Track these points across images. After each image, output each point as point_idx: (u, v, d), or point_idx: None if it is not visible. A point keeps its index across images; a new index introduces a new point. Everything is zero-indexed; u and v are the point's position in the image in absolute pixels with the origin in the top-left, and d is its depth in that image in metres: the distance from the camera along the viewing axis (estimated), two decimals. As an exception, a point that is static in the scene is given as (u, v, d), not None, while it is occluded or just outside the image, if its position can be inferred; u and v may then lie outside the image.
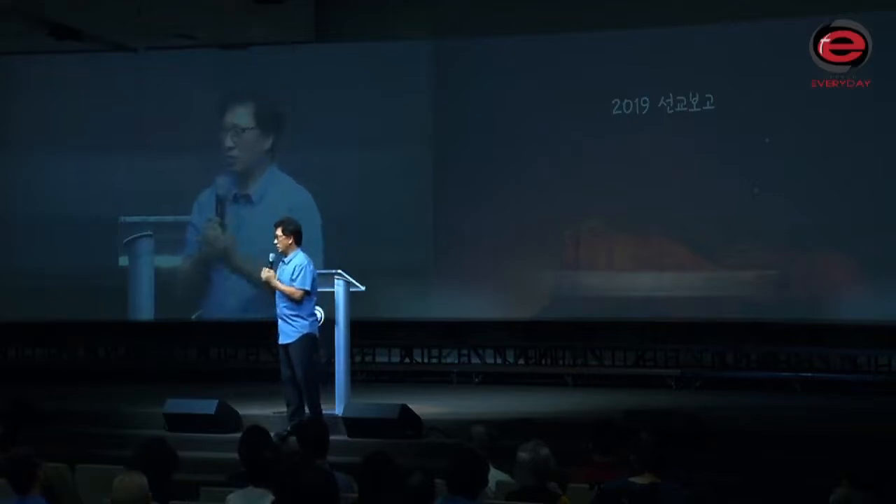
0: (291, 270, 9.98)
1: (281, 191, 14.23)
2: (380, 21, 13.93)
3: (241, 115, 14.45)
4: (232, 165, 14.43)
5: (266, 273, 9.96)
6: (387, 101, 13.98)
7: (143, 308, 14.56)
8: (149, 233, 14.49)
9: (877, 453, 8.13)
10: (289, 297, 9.94)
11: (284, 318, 10.02)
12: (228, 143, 14.42)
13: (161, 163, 14.33)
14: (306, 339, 10.02)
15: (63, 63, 14.41)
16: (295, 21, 13.73)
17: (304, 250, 10.07)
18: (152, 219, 14.52)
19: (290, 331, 10.02)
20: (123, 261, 14.57)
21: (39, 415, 10.61)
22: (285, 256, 10.04)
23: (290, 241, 10.03)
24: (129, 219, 14.54)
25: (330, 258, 13.32)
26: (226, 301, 14.27)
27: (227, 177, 14.40)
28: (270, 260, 10.02)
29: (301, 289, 9.94)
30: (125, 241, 14.52)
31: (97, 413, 11.32)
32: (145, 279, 14.51)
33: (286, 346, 10.05)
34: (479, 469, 5.70)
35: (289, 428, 10.02)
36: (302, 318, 10.00)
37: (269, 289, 10.11)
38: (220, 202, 14.32)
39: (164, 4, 12.57)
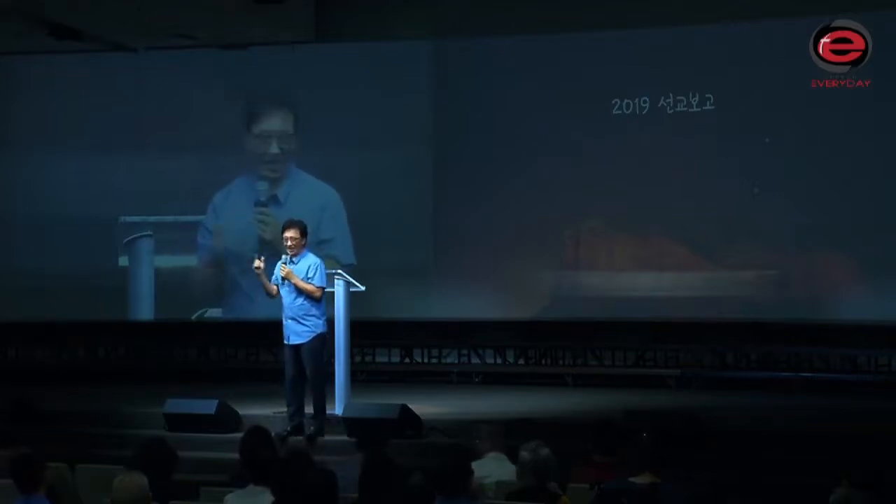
0: (306, 269, 9.99)
1: (307, 189, 14.17)
2: (380, 21, 13.93)
3: (285, 121, 14.38)
4: (274, 172, 14.34)
5: (286, 270, 9.95)
6: (387, 101, 13.98)
7: (143, 308, 14.55)
8: (149, 233, 14.48)
9: (877, 453, 8.14)
10: (307, 296, 9.95)
11: (297, 318, 10.01)
12: (274, 149, 14.33)
13: (161, 163, 14.33)
14: (319, 339, 10.06)
15: (63, 63, 14.40)
16: (295, 21, 13.73)
17: (335, 247, 10.09)
18: (152, 219, 14.51)
19: (303, 331, 10.02)
20: (123, 261, 14.57)
21: (39, 415, 10.64)
22: (294, 257, 10.02)
23: (304, 242, 10.05)
24: (129, 219, 14.52)
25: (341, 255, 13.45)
26: (257, 299, 14.05)
27: (266, 182, 14.28)
28: (283, 261, 10.01)
29: (320, 286, 9.97)
30: (125, 241, 14.51)
31: (97, 413, 11.31)
32: (145, 279, 14.50)
33: (297, 345, 10.04)
34: (458, 466, 5.69)
35: (289, 428, 10.03)
36: (316, 317, 10.03)
37: (269, 291, 10.10)
38: (263, 205, 14.22)
39: (164, 4, 12.56)
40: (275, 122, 14.42)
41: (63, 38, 13.27)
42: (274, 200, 14.26)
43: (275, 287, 10.10)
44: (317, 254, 10.47)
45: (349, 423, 10.08)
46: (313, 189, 14.17)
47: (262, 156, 14.36)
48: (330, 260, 12.53)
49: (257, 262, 10.08)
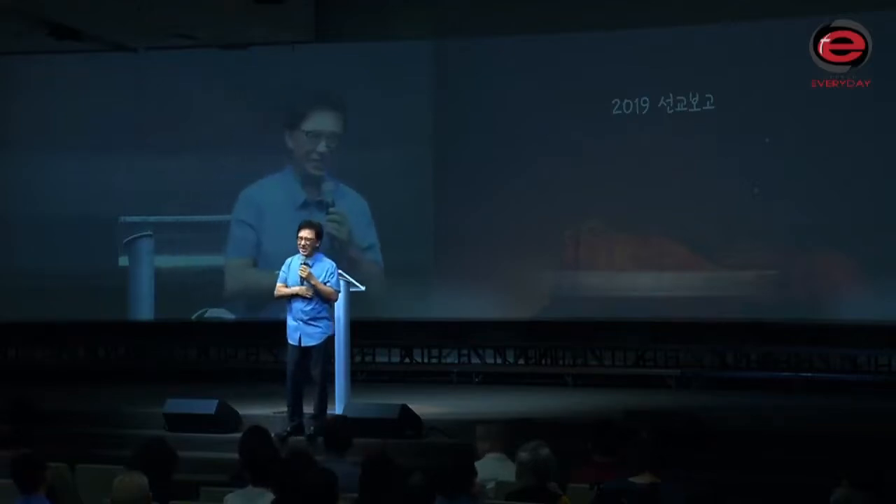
0: (324, 273, 9.99)
1: (344, 198, 14.11)
2: (380, 21, 13.93)
3: (335, 122, 14.32)
4: (319, 170, 14.23)
5: (307, 271, 9.94)
6: (387, 102, 13.98)
7: (143, 308, 14.55)
8: (149, 233, 14.49)
9: (877, 453, 8.13)
10: (321, 299, 9.97)
11: (310, 320, 10.00)
12: (322, 148, 14.28)
13: (161, 163, 14.33)
14: (329, 341, 10.09)
15: (63, 63, 14.40)
16: (295, 21, 13.73)
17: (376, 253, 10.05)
18: (152, 219, 14.51)
19: (315, 332, 10.02)
20: (123, 261, 14.57)
21: (39, 415, 10.63)
22: (308, 259, 10.01)
23: (317, 244, 10.05)
24: (129, 219, 14.53)
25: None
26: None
27: (331, 181, 14.17)
28: (301, 262, 10.00)
29: (337, 290, 10.00)
30: (125, 241, 14.51)
31: (97, 413, 11.32)
32: (145, 279, 14.50)
33: (307, 347, 10.03)
34: (462, 466, 5.69)
35: (289, 428, 10.03)
36: (327, 319, 10.07)
37: (285, 292, 10.08)
38: (330, 205, 14.18)
39: (164, 4, 12.56)
40: (326, 122, 14.36)
41: (63, 38, 13.27)
42: (319, 205, 14.09)
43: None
44: (363, 261, 10.49)
45: (349, 423, 10.06)
46: (350, 196, 14.11)
47: (309, 154, 14.30)
48: (374, 265, 12.49)
49: (305, 270, 10.00)
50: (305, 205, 14.13)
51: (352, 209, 14.04)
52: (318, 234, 10.07)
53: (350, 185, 14.15)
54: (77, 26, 13.24)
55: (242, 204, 14.37)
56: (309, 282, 9.94)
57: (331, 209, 14.02)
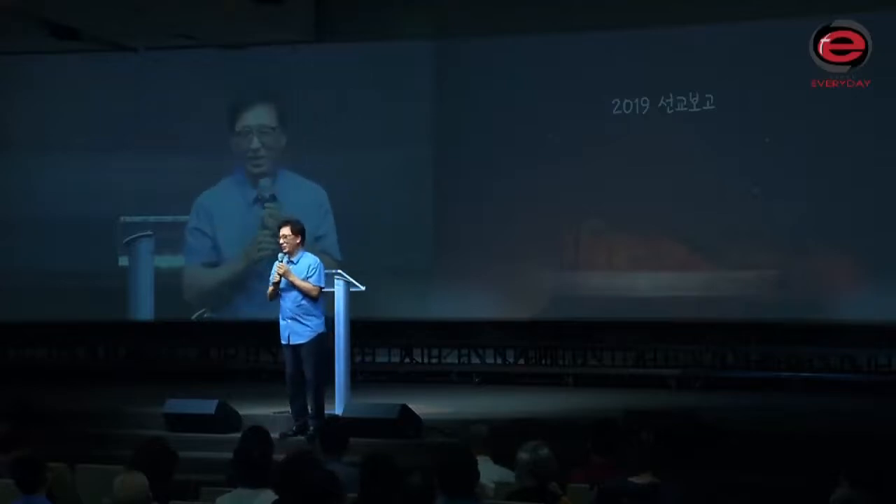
0: (305, 269, 9.98)
1: (298, 188, 14.19)
2: (380, 21, 13.92)
3: (265, 115, 14.38)
4: (257, 167, 14.36)
5: (283, 268, 9.95)
6: (387, 102, 13.98)
7: (143, 308, 14.55)
8: (149, 233, 14.49)
9: (877, 453, 8.13)
10: (305, 295, 9.94)
11: (297, 317, 9.99)
12: (255, 144, 14.34)
13: (161, 163, 14.33)
14: (321, 338, 10.05)
15: (63, 63, 14.41)
16: (295, 21, 13.73)
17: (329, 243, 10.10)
18: (152, 219, 14.52)
19: (303, 331, 10.00)
20: (123, 261, 14.58)
21: (39, 415, 10.63)
22: (292, 257, 10.01)
23: (298, 241, 10.03)
24: (129, 219, 14.54)
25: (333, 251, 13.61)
26: (254, 298, 13.67)
27: (268, 179, 14.30)
28: (280, 260, 10.01)
29: (318, 286, 9.97)
30: (125, 241, 14.52)
31: (97, 413, 11.31)
32: (145, 279, 14.51)
33: (298, 345, 10.04)
34: (466, 465, 5.69)
35: (294, 428, 10.02)
36: (316, 316, 10.02)
37: (272, 292, 10.08)
38: (269, 201, 14.24)
39: (164, 4, 12.57)
40: (254, 117, 14.40)
41: (63, 38, 13.28)
42: (265, 201, 14.27)
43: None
44: (313, 252, 10.48)
45: (349, 424, 10.06)
46: (304, 188, 14.17)
47: (245, 152, 14.36)
48: (325, 256, 12.54)
49: (282, 267, 10.01)
50: (254, 202, 14.27)
51: (304, 199, 14.03)
52: (297, 231, 10.03)
53: (303, 175, 14.20)
54: (77, 26, 13.25)
55: (194, 212, 14.43)
56: (287, 279, 9.94)
57: (267, 204, 14.10)
